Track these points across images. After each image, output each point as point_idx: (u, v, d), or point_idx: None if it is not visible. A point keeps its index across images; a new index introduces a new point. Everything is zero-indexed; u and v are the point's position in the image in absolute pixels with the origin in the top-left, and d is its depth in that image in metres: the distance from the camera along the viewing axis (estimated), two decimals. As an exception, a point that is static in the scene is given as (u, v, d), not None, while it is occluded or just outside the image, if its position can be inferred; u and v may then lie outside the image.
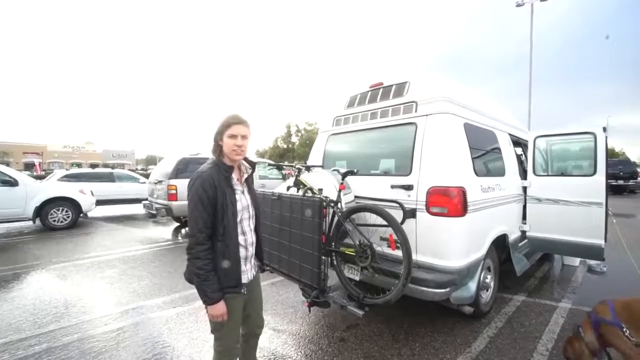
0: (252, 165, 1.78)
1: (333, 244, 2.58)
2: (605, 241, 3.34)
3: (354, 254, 2.40)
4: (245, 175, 1.75)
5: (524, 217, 3.78)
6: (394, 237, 2.26)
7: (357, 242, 2.40)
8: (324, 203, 2.36)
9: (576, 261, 4.78)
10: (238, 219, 1.62)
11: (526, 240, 3.80)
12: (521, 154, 4.68)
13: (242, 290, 1.64)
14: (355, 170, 2.61)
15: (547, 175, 3.80)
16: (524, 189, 3.77)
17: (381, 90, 3.21)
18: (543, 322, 3.01)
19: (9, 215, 7.00)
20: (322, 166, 3.51)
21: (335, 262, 2.64)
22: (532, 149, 3.73)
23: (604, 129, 3.30)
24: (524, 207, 3.80)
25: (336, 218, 2.55)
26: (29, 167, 42.17)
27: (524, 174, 3.96)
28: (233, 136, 1.57)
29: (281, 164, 3.01)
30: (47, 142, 55.58)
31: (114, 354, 2.52)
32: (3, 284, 4.01)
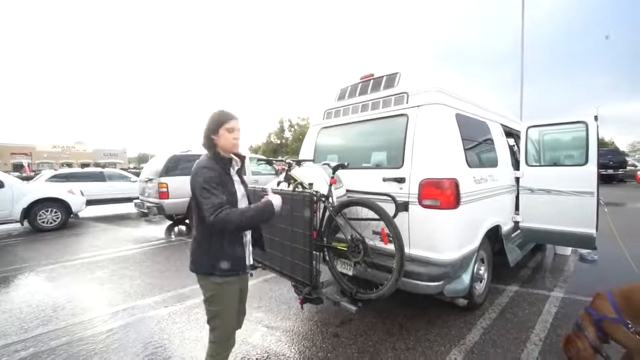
0: (242, 158, 1.85)
1: (325, 239, 2.54)
2: (597, 230, 3.35)
3: (345, 249, 2.36)
4: (237, 168, 1.81)
5: (517, 208, 3.78)
6: (386, 230, 2.22)
7: (349, 237, 2.36)
8: (315, 198, 2.31)
9: (568, 250, 4.82)
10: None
11: (519, 231, 3.80)
12: (513, 145, 4.67)
13: (247, 271, 1.76)
14: (346, 164, 2.56)
15: (540, 166, 3.80)
16: (517, 179, 3.76)
17: (372, 81, 3.15)
18: (536, 312, 3.02)
19: (-5, 218, 6.84)
20: (313, 160, 3.45)
21: (327, 257, 2.60)
22: (524, 139, 3.72)
23: (596, 118, 3.29)
24: (517, 197, 3.80)
25: (327, 213, 2.51)
26: (17, 168, 41.32)
27: (516, 165, 3.96)
28: (232, 130, 1.65)
29: (271, 158, 2.94)
30: (36, 142, 54.48)
31: (104, 356, 2.46)
32: (-11, 287, 3.91)
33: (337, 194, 2.77)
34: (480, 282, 3.12)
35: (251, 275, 1.87)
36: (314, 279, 2.31)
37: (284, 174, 3.02)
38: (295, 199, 2.40)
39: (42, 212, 7.38)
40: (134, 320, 3.02)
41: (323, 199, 2.50)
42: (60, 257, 5.21)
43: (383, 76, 3.06)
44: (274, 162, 3.10)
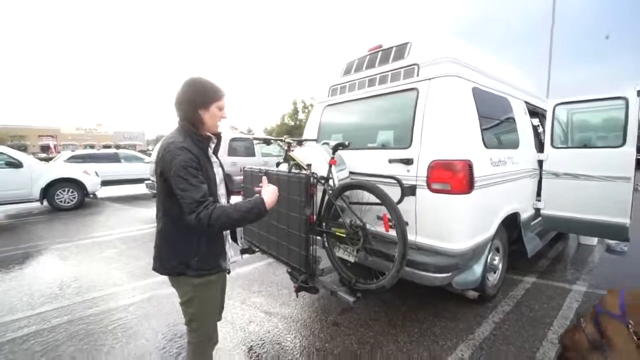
0: (218, 135, 1.58)
1: (324, 224, 2.38)
2: (631, 219, 3.02)
3: (344, 235, 2.19)
4: (213, 146, 1.57)
5: (539, 194, 3.47)
6: (388, 216, 2.02)
7: (348, 222, 2.18)
8: (312, 180, 2.13)
9: (594, 240, 4.46)
10: (217, 194, 1.49)
11: (540, 219, 3.50)
12: (538, 125, 4.27)
13: (228, 267, 1.56)
14: (346, 143, 2.34)
15: (567, 148, 3.44)
16: (540, 162, 3.42)
17: (380, 53, 2.87)
18: (555, 306, 2.79)
19: (16, 197, 7.06)
20: (316, 140, 3.25)
21: (326, 244, 2.45)
22: (551, 118, 3.35)
23: (638, 93, 2.88)
24: (539, 182, 3.47)
25: (327, 196, 2.33)
26: (45, 149, 43.13)
27: (540, 147, 3.61)
28: (222, 108, 1.45)
29: (270, 137, 2.76)
30: (61, 124, 56.45)
31: (101, 337, 2.46)
32: (4, 264, 4.03)
33: (341, 176, 2.58)
34: (494, 272, 2.90)
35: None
36: (310, 267, 2.17)
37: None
38: (291, 180, 2.23)
39: (60, 192, 7.59)
40: (135, 301, 3.02)
41: (322, 181, 2.32)
42: (74, 236, 5.33)
43: (392, 47, 2.77)
44: (271, 141, 2.91)
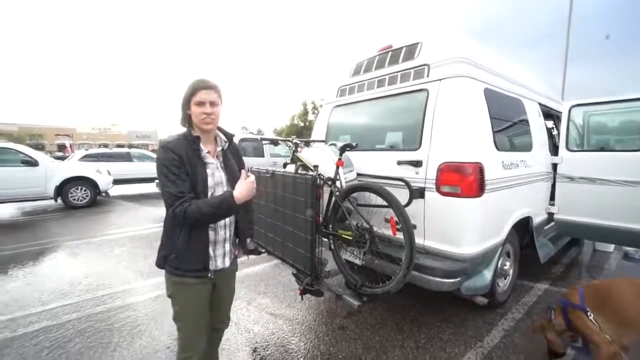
0: (229, 137, 1.60)
1: (330, 226, 2.35)
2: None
3: (351, 237, 2.15)
4: (220, 148, 1.55)
5: (552, 198, 3.37)
6: (395, 219, 1.98)
7: (355, 225, 2.15)
8: (318, 181, 2.11)
9: (610, 247, 4.32)
10: (209, 196, 1.44)
11: (553, 224, 3.40)
12: (552, 127, 4.16)
13: (209, 275, 1.49)
14: (354, 144, 2.31)
15: (583, 151, 3.33)
16: (554, 166, 3.32)
17: (390, 54, 2.83)
18: (569, 314, 2.69)
19: (32, 194, 7.24)
20: (324, 141, 3.22)
21: (332, 246, 2.41)
22: (566, 120, 3.25)
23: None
24: (553, 186, 3.37)
25: (334, 198, 2.30)
26: (61, 148, 44.24)
27: (554, 150, 3.50)
28: (201, 103, 1.39)
29: (277, 138, 2.76)
30: (76, 124, 57.96)
31: (107, 334, 2.48)
32: (19, 260, 4.13)
33: (347, 178, 2.55)
34: (505, 278, 2.82)
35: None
36: (315, 269, 2.14)
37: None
38: (297, 182, 2.21)
39: (73, 190, 7.76)
40: (143, 299, 3.05)
41: (329, 182, 2.29)
42: (85, 234, 5.43)
43: (402, 47, 2.72)
44: (279, 142, 2.90)
